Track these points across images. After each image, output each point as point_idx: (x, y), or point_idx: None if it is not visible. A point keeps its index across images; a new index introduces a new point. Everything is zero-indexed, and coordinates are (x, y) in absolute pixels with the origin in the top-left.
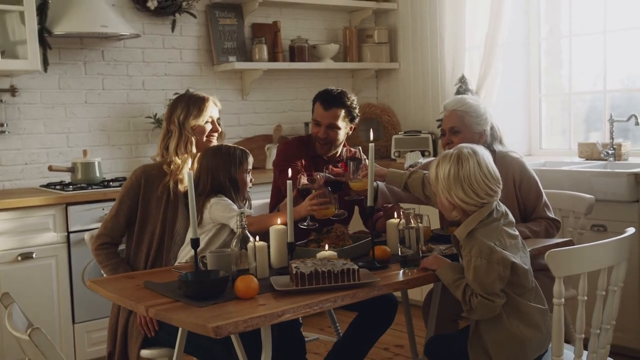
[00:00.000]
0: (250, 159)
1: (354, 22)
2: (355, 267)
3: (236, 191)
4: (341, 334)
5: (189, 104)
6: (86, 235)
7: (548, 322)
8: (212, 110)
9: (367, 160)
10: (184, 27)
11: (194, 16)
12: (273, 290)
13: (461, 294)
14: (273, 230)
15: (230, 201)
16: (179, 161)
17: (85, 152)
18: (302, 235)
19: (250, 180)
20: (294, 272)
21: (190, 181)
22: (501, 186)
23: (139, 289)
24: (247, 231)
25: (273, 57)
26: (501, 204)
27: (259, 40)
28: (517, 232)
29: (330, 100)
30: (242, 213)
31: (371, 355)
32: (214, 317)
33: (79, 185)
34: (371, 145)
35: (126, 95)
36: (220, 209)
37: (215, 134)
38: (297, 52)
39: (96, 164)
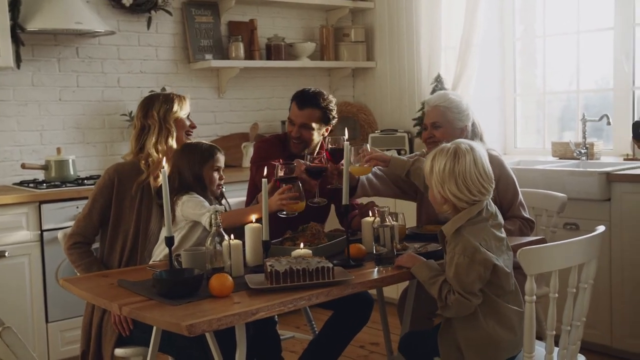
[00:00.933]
0: (219, 156)
1: (330, 20)
2: (330, 265)
3: (203, 189)
4: (317, 332)
5: (168, 99)
6: (59, 234)
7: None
8: (189, 108)
9: (367, 145)
10: (160, 24)
11: (170, 13)
12: (248, 288)
13: (437, 291)
14: (248, 228)
15: (202, 198)
16: (157, 156)
17: (59, 150)
18: (277, 234)
19: (220, 178)
20: (269, 270)
21: (165, 179)
22: (493, 185)
23: (112, 288)
24: (221, 229)
25: (250, 55)
26: (492, 203)
27: (235, 38)
28: (504, 235)
29: (305, 100)
30: (216, 211)
31: (347, 353)
32: (188, 315)
33: (52, 183)
34: (346, 144)
35: (101, 93)
36: (192, 206)
37: (193, 131)
38: (273, 51)
39: (70, 161)
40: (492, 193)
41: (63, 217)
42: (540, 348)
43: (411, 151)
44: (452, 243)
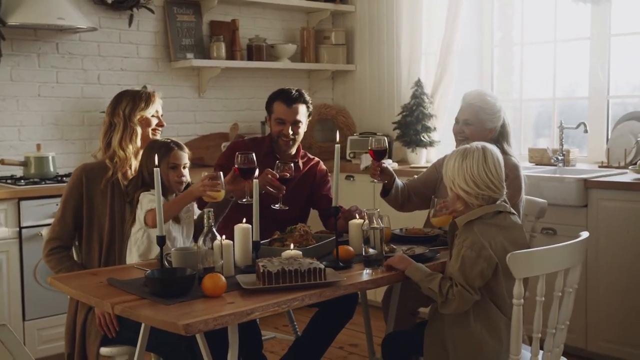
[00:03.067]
0: (177, 153)
1: (311, 23)
2: (322, 266)
3: (163, 187)
4: (299, 333)
5: (135, 97)
6: (44, 231)
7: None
8: (158, 105)
9: (444, 200)
10: (142, 22)
11: (152, 11)
12: (239, 288)
13: (437, 286)
14: (238, 228)
15: (153, 196)
16: (122, 154)
17: (38, 146)
18: (265, 234)
19: (179, 175)
20: (261, 270)
21: (158, 177)
22: (504, 185)
23: (102, 286)
24: (214, 229)
25: (231, 56)
26: (518, 219)
27: (217, 38)
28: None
29: (293, 97)
30: (209, 211)
31: (326, 354)
32: (183, 314)
33: (31, 180)
34: (337, 146)
35: (81, 90)
36: (144, 202)
37: (161, 129)
38: (254, 51)
39: (50, 158)
40: (503, 193)
41: (42, 214)
42: (525, 352)
43: (390, 154)
44: (461, 236)
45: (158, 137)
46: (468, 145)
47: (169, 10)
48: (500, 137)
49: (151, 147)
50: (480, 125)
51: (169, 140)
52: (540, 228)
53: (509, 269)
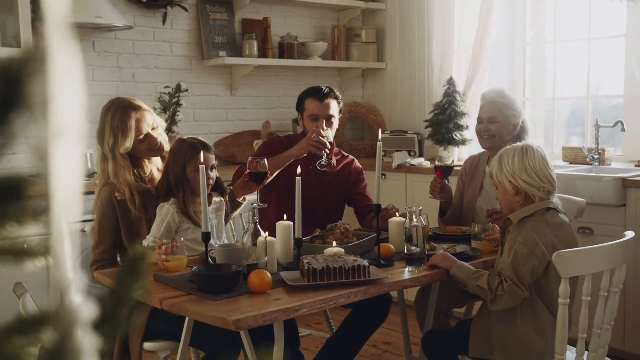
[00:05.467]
0: (207, 156)
1: (342, 21)
2: (366, 264)
3: (185, 190)
4: (335, 330)
5: (114, 128)
6: (88, 227)
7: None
8: (142, 126)
9: (494, 227)
10: (175, 20)
11: (186, 10)
12: (284, 285)
13: (486, 283)
14: (280, 226)
15: (166, 217)
16: (119, 183)
17: None
18: (306, 232)
19: (208, 178)
20: (306, 267)
21: (203, 174)
22: (556, 181)
23: (148, 282)
24: (258, 226)
25: (263, 54)
26: (567, 219)
27: (249, 36)
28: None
29: (325, 93)
30: (254, 208)
31: (359, 352)
32: (231, 310)
33: None
34: (379, 144)
35: (116, 87)
36: (160, 214)
37: (154, 145)
38: (286, 49)
39: (88, 156)
40: (555, 188)
41: (81, 211)
42: (569, 353)
43: (421, 153)
44: (514, 232)
45: (162, 143)
46: (522, 144)
47: (202, 8)
48: (522, 133)
49: (178, 148)
50: (506, 122)
51: (196, 141)
52: (577, 227)
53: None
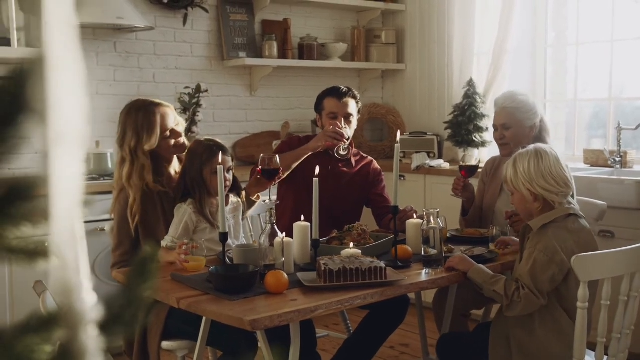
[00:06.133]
0: (224, 159)
1: (362, 22)
2: (383, 265)
3: (202, 191)
4: (352, 332)
5: (137, 126)
6: (107, 226)
7: None
8: (167, 122)
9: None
10: (196, 21)
11: (206, 10)
12: (300, 285)
13: (502, 288)
14: (297, 226)
15: (184, 217)
16: (131, 188)
17: (97, 143)
18: (323, 233)
19: (225, 179)
20: (323, 268)
21: (221, 175)
22: (573, 182)
23: (166, 281)
24: (275, 227)
25: (283, 54)
26: (585, 222)
27: (269, 37)
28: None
29: (343, 92)
30: (271, 208)
31: (377, 354)
32: (247, 310)
33: (91, 176)
34: (396, 146)
35: (137, 88)
36: (177, 215)
37: (176, 141)
38: (306, 50)
39: (108, 155)
40: (573, 190)
41: (101, 209)
42: (588, 357)
43: (440, 154)
44: (534, 239)
45: (184, 141)
46: (534, 147)
47: (222, 9)
48: (542, 132)
49: (195, 150)
50: (520, 126)
51: (212, 143)
52: (598, 231)
53: None
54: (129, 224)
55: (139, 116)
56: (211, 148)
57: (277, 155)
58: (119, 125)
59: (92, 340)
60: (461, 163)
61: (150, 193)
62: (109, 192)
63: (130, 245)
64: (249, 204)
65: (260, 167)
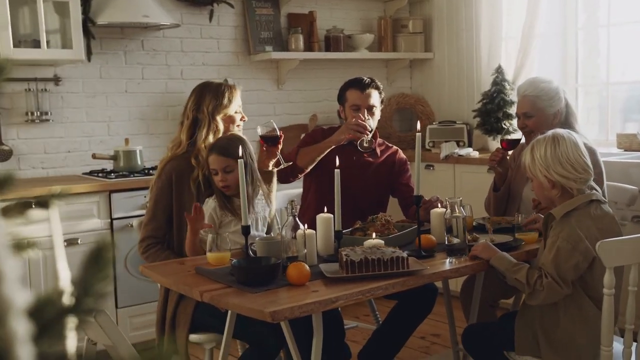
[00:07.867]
0: (215, 159)
1: (388, 12)
2: (404, 255)
3: (216, 189)
4: (381, 322)
5: (218, 93)
6: (135, 222)
7: None
8: (240, 99)
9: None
10: (222, 17)
11: (232, 6)
12: (323, 277)
13: (525, 277)
14: (320, 218)
15: (205, 210)
16: (206, 152)
17: (127, 141)
18: (346, 224)
19: (221, 181)
20: (344, 259)
21: (241, 168)
22: (592, 167)
23: (190, 275)
24: (297, 219)
25: (309, 47)
26: (609, 207)
27: (295, 30)
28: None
29: (365, 83)
30: (292, 201)
31: (408, 344)
32: (269, 302)
33: (121, 173)
34: (418, 135)
35: (165, 85)
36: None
37: (242, 123)
38: (332, 42)
39: (137, 152)
40: (592, 175)
41: (132, 206)
42: (617, 344)
43: (470, 143)
44: (557, 228)
45: (239, 131)
46: (551, 133)
47: (247, 4)
48: (568, 117)
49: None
50: (542, 114)
51: (212, 144)
52: (631, 216)
53: None
54: (166, 198)
55: (219, 88)
56: (210, 148)
57: (272, 121)
58: (190, 96)
59: (21, 328)
60: (504, 137)
61: (193, 176)
62: (139, 189)
63: (165, 220)
64: (269, 178)
65: (260, 137)
